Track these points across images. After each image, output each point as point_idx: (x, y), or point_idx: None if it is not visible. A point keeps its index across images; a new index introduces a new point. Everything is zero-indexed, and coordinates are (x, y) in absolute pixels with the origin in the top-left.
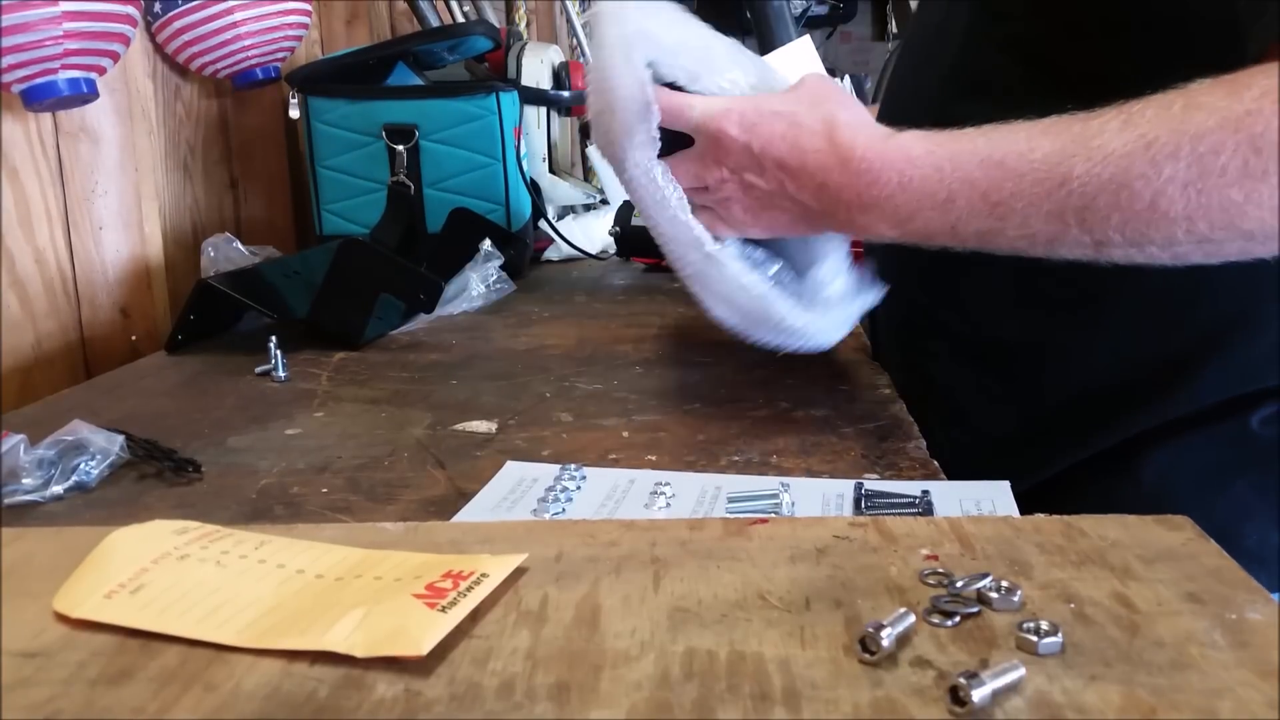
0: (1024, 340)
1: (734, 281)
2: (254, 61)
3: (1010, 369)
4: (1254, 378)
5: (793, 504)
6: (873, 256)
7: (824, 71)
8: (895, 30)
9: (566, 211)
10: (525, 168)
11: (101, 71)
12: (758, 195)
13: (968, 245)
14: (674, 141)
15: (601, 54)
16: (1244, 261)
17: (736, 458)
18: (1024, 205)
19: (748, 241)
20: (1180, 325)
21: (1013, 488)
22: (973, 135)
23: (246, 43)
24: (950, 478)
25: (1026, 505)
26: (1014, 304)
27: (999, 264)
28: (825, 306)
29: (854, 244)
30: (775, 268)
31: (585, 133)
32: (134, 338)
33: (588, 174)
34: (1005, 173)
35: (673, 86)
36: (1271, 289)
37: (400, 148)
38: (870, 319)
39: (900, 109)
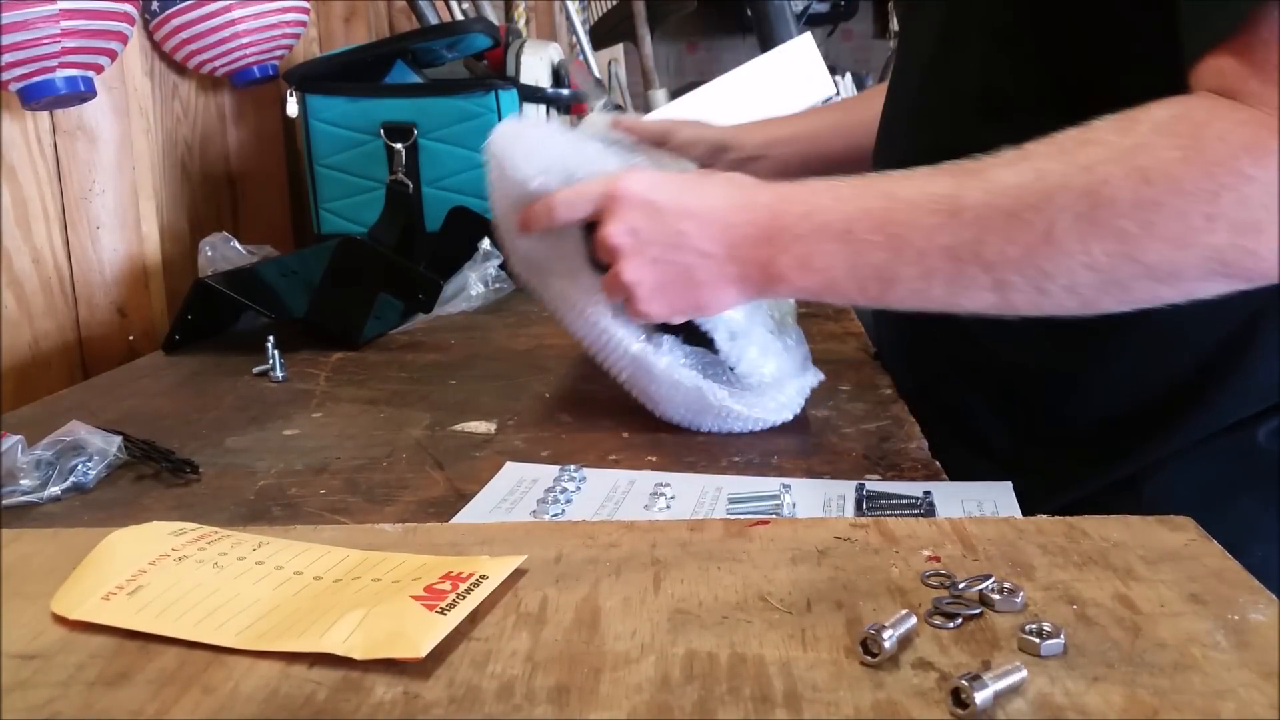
0: (1036, 369)
1: (667, 378)
2: (252, 60)
3: (1024, 397)
4: (1264, 396)
5: (794, 505)
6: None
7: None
8: (897, 28)
9: None
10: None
11: (99, 70)
12: (654, 259)
13: (869, 294)
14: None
15: (489, 187)
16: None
17: (737, 458)
18: (918, 237)
19: (675, 336)
20: (1189, 349)
21: (1024, 513)
22: (874, 176)
23: (244, 41)
24: None
25: None
26: (1025, 333)
27: None
28: (762, 390)
29: None
30: (705, 360)
31: None
32: (131, 337)
33: None
34: (900, 203)
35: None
36: (1276, 307)
37: (399, 146)
38: (876, 341)
39: (901, 137)
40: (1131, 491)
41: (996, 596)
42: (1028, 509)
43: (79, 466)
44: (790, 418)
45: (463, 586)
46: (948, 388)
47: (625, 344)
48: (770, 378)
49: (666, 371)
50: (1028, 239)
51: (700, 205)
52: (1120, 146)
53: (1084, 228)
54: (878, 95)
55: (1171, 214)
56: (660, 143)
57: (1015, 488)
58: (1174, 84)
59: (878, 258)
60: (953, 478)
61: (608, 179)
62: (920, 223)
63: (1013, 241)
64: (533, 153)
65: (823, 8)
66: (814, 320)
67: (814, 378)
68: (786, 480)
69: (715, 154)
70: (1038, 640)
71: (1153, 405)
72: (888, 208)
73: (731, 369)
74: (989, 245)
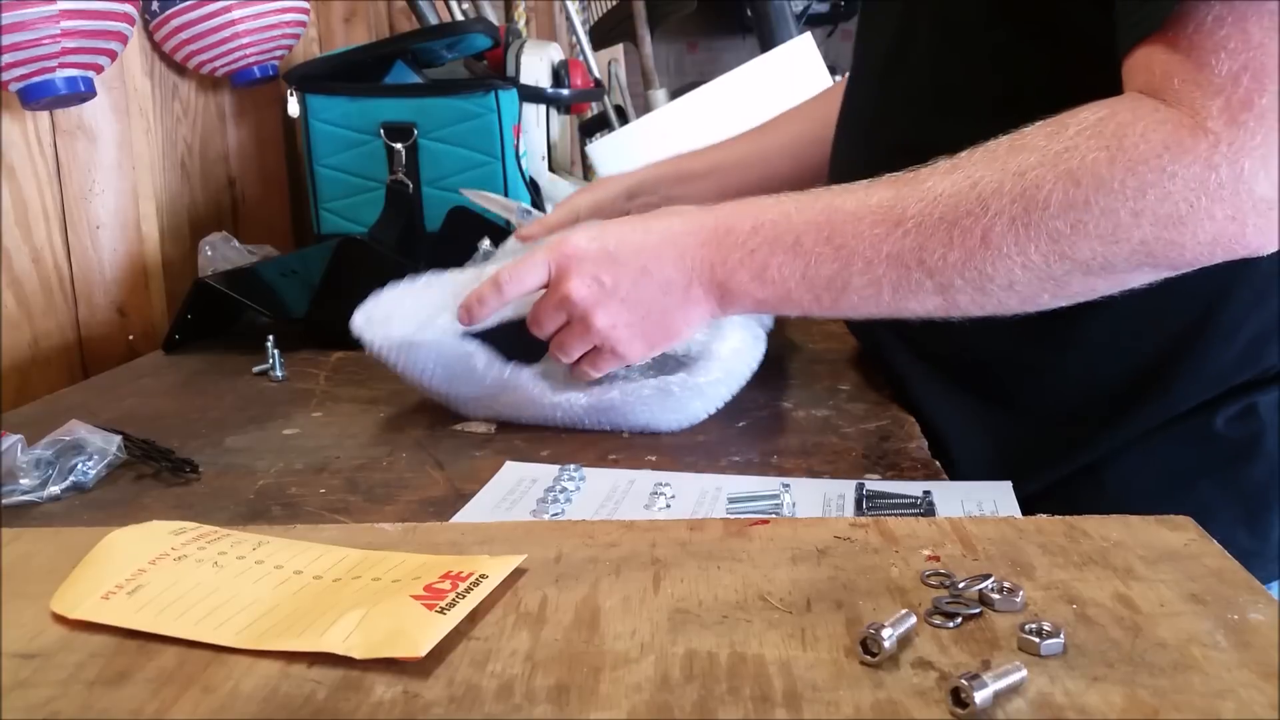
0: (1000, 361)
1: (636, 395)
2: (252, 60)
3: (987, 389)
4: (1222, 380)
5: (793, 504)
6: None
7: (825, 69)
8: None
9: None
10: (524, 166)
11: (99, 70)
12: (623, 299)
13: (823, 303)
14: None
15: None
16: (1208, 267)
17: (737, 458)
18: (865, 247)
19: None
20: (1149, 336)
21: None
22: (818, 191)
23: (244, 41)
24: None
25: None
26: (985, 325)
27: None
28: (709, 353)
29: None
30: (640, 367)
31: (585, 131)
32: (131, 337)
33: (587, 172)
34: (845, 216)
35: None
36: (1236, 292)
37: (399, 146)
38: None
39: (860, 137)
40: (1093, 479)
41: (996, 596)
42: None
43: (79, 466)
44: (755, 364)
45: (462, 586)
46: (908, 381)
47: (572, 401)
48: (703, 339)
49: (624, 398)
50: (967, 244)
51: (651, 240)
52: (1050, 151)
53: (1019, 230)
54: (788, 122)
55: (1100, 212)
56: (572, 220)
57: (976, 479)
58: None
59: (828, 268)
60: None
61: (550, 244)
62: (864, 233)
63: (953, 247)
64: (391, 316)
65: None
66: (814, 320)
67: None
68: (786, 480)
69: (623, 204)
70: (1037, 640)
71: (1112, 393)
72: (831, 220)
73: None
74: (931, 251)
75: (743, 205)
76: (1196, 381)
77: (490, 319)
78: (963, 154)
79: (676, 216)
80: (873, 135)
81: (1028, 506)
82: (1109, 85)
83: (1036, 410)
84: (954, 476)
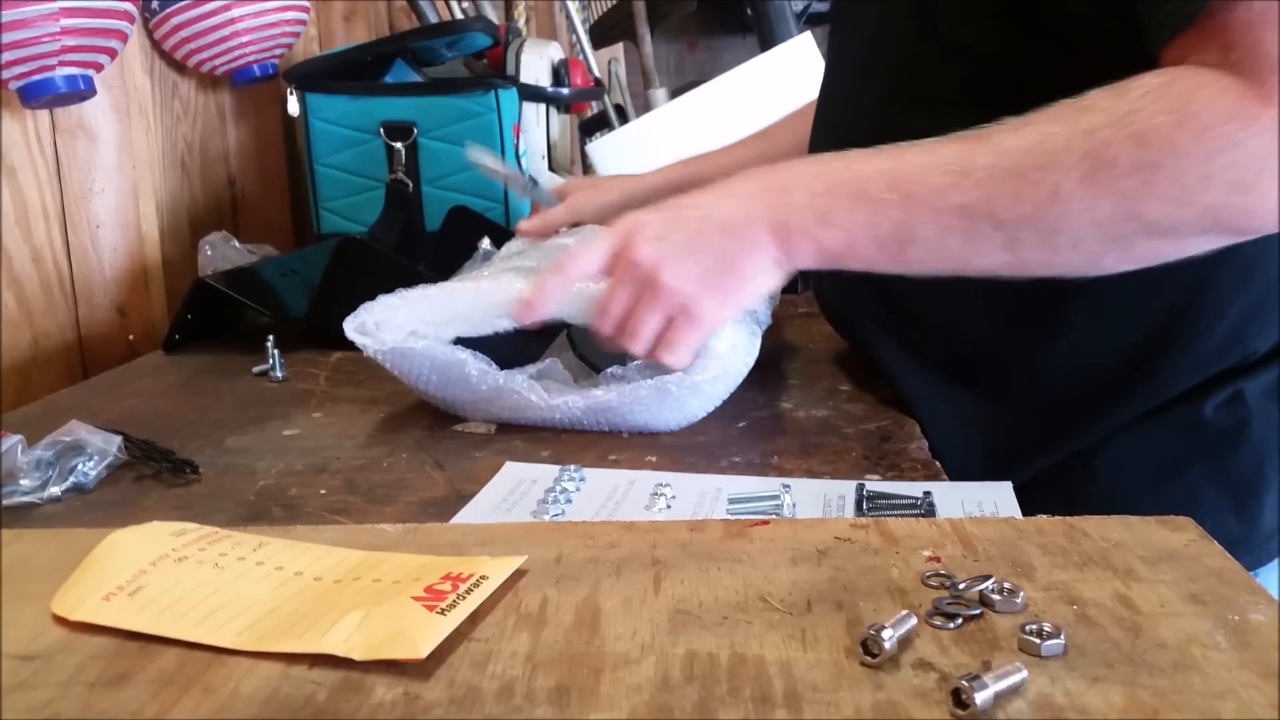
0: (988, 351)
1: (633, 395)
2: (252, 58)
3: (975, 381)
4: (1209, 365)
5: (794, 505)
6: (831, 278)
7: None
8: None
9: None
10: (524, 165)
11: (99, 68)
12: (688, 250)
13: (888, 253)
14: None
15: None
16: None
17: (737, 458)
18: (933, 196)
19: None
20: (1136, 322)
21: None
22: (880, 147)
23: (244, 39)
24: None
25: None
26: (977, 316)
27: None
28: (720, 358)
29: None
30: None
31: (585, 130)
32: (131, 337)
33: (587, 171)
34: (913, 166)
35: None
36: (1220, 276)
37: (399, 145)
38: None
39: (837, 128)
40: (1084, 467)
41: (997, 597)
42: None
43: (79, 466)
44: (751, 361)
45: (463, 587)
46: (896, 375)
47: (570, 403)
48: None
49: (622, 398)
50: (1036, 196)
51: (711, 194)
52: (1116, 111)
53: (1088, 187)
54: (795, 122)
55: (1169, 174)
56: (574, 221)
57: (965, 473)
58: (1103, 74)
59: (894, 215)
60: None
61: (608, 228)
62: (933, 182)
63: (1022, 200)
64: (383, 324)
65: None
66: (814, 320)
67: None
68: (786, 480)
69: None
70: (1038, 640)
71: (1101, 380)
72: (899, 169)
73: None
74: (1000, 204)
75: (805, 159)
76: (1184, 366)
77: (484, 329)
78: (1029, 115)
79: (731, 178)
80: (850, 130)
81: (1020, 495)
82: (1085, 77)
83: (1025, 399)
84: (945, 469)
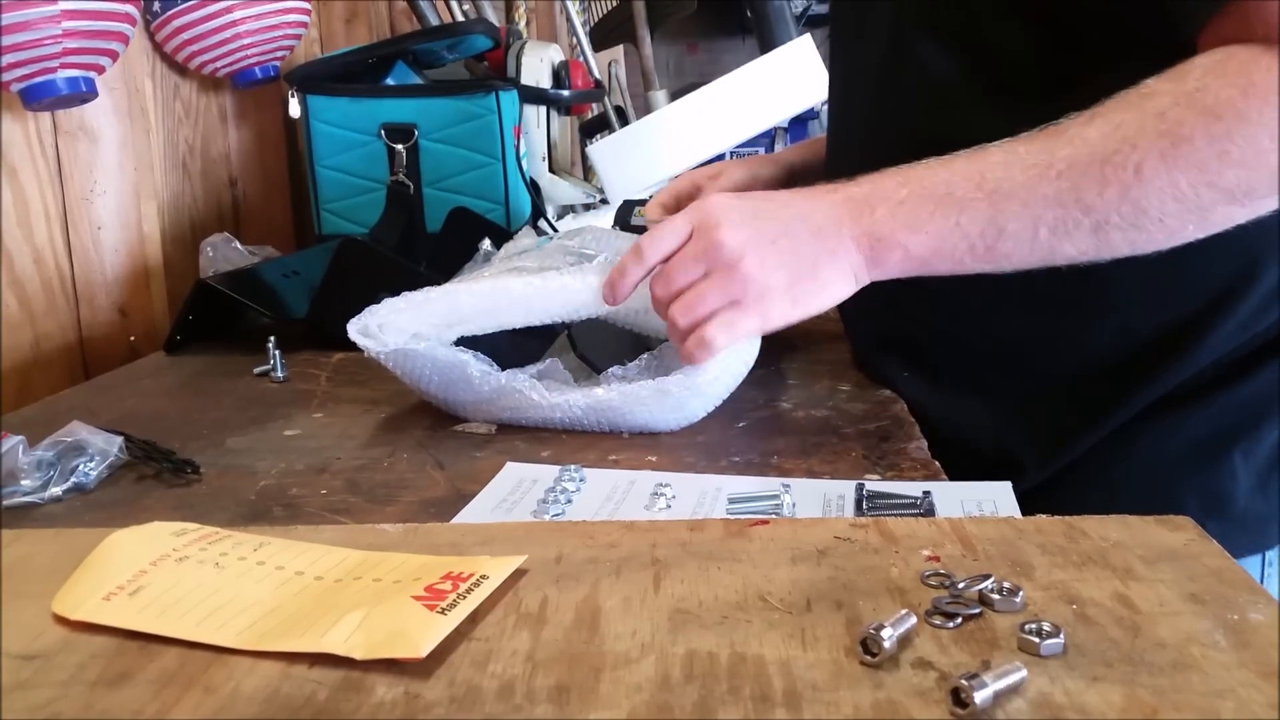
0: (1022, 336)
1: (634, 395)
2: (253, 60)
3: (1009, 364)
4: (1249, 338)
5: (793, 505)
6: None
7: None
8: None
9: (566, 211)
10: (525, 167)
11: (100, 70)
12: (773, 243)
13: (977, 252)
14: None
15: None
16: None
17: (736, 458)
18: (1020, 189)
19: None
20: (1176, 298)
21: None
22: (956, 153)
23: (245, 41)
24: (950, 475)
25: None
26: (1009, 300)
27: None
28: (721, 359)
29: None
30: (641, 367)
31: (585, 132)
32: (132, 338)
33: (587, 173)
34: (995, 165)
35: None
36: (1267, 248)
37: (399, 147)
38: (851, 336)
39: (865, 135)
40: (1124, 445)
41: (996, 596)
42: (1015, 479)
43: (80, 467)
44: (751, 361)
45: (463, 586)
46: (932, 356)
47: (571, 402)
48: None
49: (623, 398)
50: (1121, 179)
51: (799, 197)
52: (1182, 92)
53: (1169, 164)
54: None
55: (1242, 141)
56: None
57: (999, 457)
58: (1125, 75)
59: (982, 213)
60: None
61: (688, 207)
62: (1017, 177)
63: (1108, 184)
64: (385, 325)
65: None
66: (813, 320)
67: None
68: (786, 480)
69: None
70: (1037, 640)
71: (1144, 351)
72: (981, 169)
73: (662, 341)
74: (1086, 190)
75: (883, 171)
76: (1221, 338)
77: (487, 329)
78: (1095, 108)
79: (817, 187)
80: (875, 133)
81: (1059, 479)
82: (1105, 80)
83: (1060, 383)
84: (978, 439)
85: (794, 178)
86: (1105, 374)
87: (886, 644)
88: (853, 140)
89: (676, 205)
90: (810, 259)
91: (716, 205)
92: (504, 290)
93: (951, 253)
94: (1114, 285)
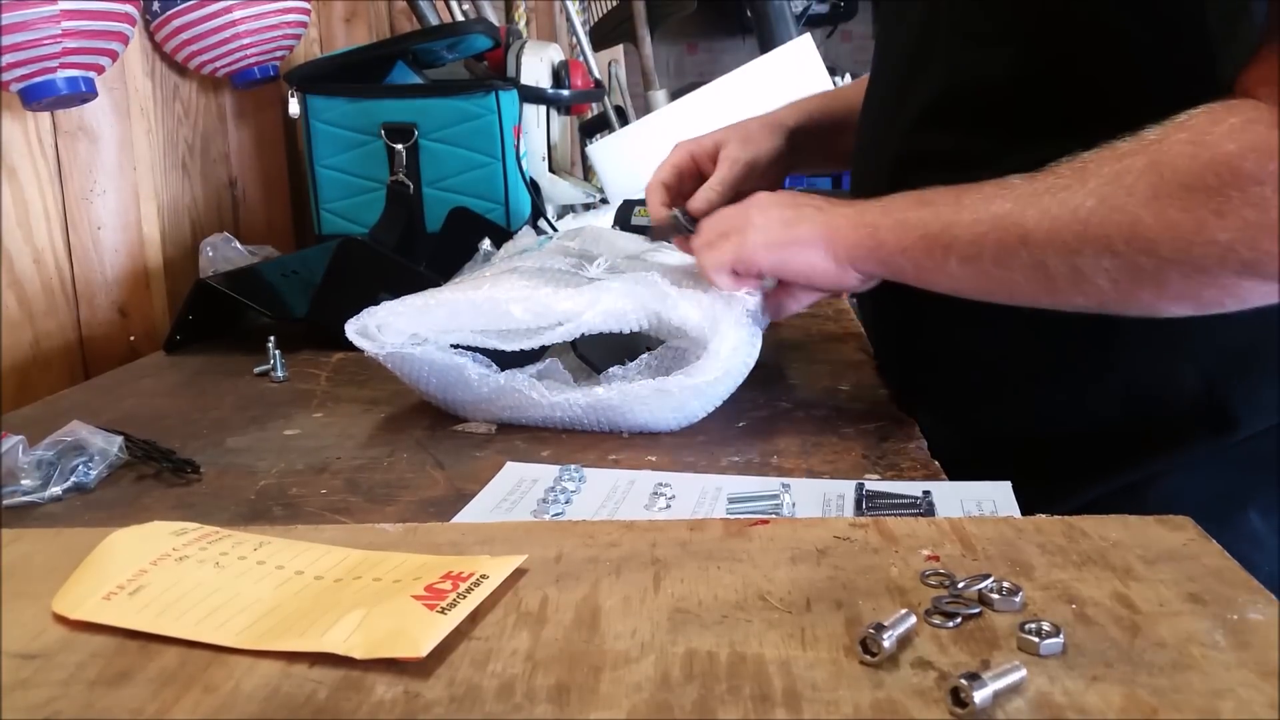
0: (1032, 381)
1: (634, 395)
2: (252, 60)
3: (1021, 409)
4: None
5: (793, 505)
6: (875, 297)
7: (824, 71)
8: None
9: (566, 211)
10: (525, 167)
11: (100, 70)
12: (779, 201)
13: (932, 247)
14: None
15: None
16: None
17: (736, 458)
18: (1005, 214)
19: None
20: (1196, 361)
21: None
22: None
23: (245, 41)
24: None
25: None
26: (1026, 337)
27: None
28: (706, 349)
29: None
30: (642, 366)
31: (585, 132)
32: (132, 338)
33: (587, 173)
34: (987, 192)
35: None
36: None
37: (399, 147)
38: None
39: (885, 129)
40: (1134, 499)
41: (995, 596)
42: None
43: (80, 466)
44: (752, 363)
45: (463, 586)
46: (948, 396)
47: (571, 401)
48: (699, 321)
49: (624, 398)
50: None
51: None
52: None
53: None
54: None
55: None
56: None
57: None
58: (1155, 86)
59: (945, 211)
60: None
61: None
62: (1006, 203)
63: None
64: (384, 327)
65: (822, 9)
66: (813, 320)
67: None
68: (786, 480)
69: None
70: (1037, 639)
71: (1158, 417)
72: (967, 192)
73: (662, 342)
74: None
75: (882, 207)
76: (1254, 409)
77: (489, 340)
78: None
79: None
80: (888, 133)
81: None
82: (1134, 90)
83: (1073, 425)
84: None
85: (796, 149)
86: (1113, 433)
87: (886, 643)
88: (875, 130)
89: (679, 181)
90: (794, 219)
91: (754, 198)
92: (505, 314)
93: (908, 240)
94: (1123, 340)
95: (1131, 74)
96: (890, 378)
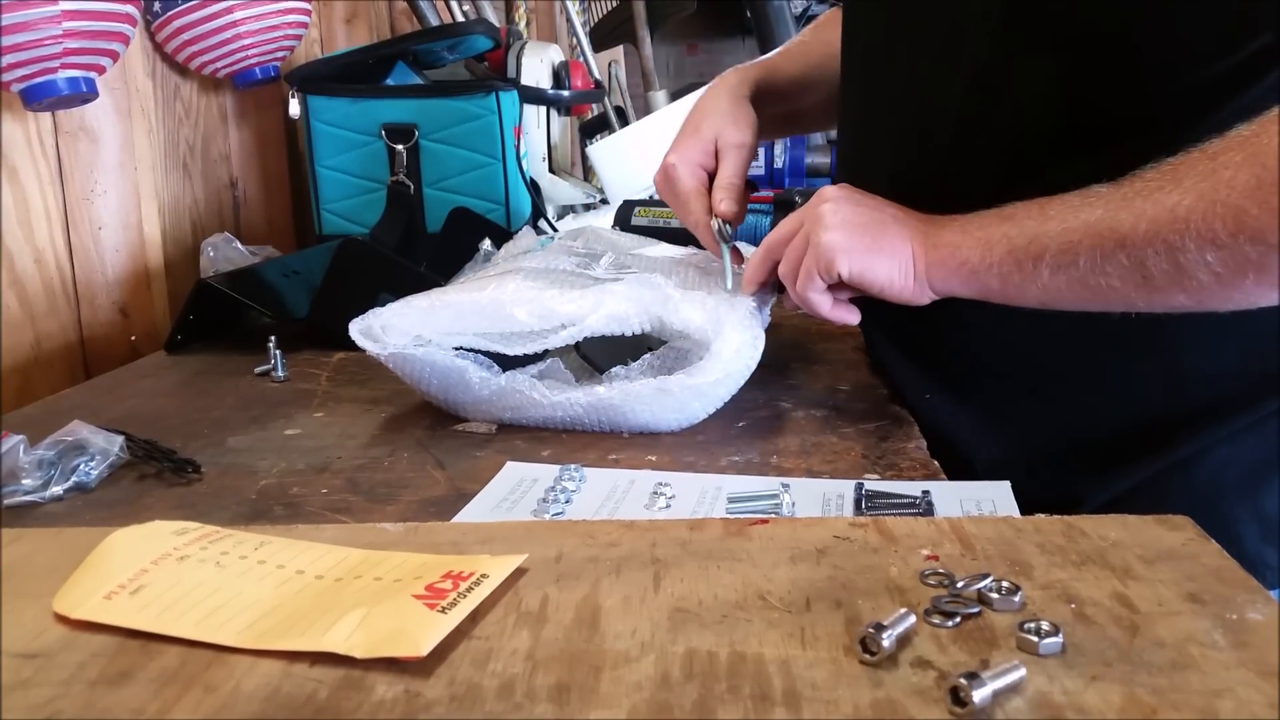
0: (1077, 371)
1: (635, 395)
2: (253, 61)
3: (1068, 400)
4: None
5: (793, 504)
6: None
7: None
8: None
9: (566, 211)
10: (525, 167)
11: (101, 71)
12: (849, 201)
13: (1021, 262)
14: None
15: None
16: None
17: (736, 458)
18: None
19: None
20: (1240, 333)
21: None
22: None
23: (246, 42)
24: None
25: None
26: (1075, 333)
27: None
28: (708, 348)
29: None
30: (645, 367)
31: (585, 132)
32: (133, 338)
33: (587, 173)
34: (1058, 204)
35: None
36: None
37: (400, 147)
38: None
39: (910, 122)
40: (1181, 473)
41: (995, 595)
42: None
43: (81, 466)
44: (754, 364)
45: (464, 585)
46: (1000, 397)
47: (572, 400)
48: (701, 324)
49: (625, 398)
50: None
51: (890, 205)
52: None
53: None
54: (829, 25)
55: None
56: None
57: (1055, 488)
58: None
59: (1031, 225)
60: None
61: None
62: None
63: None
64: (388, 327)
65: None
66: (814, 320)
67: (759, 312)
68: (786, 480)
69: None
70: (1036, 639)
71: (1202, 397)
72: (1045, 206)
73: (664, 342)
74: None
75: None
76: None
77: (492, 344)
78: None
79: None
80: (912, 130)
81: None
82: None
83: (1119, 417)
84: (1024, 477)
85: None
86: (1159, 417)
87: (885, 643)
88: (884, 122)
89: (705, 158)
90: (878, 223)
91: (828, 195)
92: (509, 318)
93: (994, 255)
94: (1173, 328)
95: (1176, 87)
96: (928, 386)
